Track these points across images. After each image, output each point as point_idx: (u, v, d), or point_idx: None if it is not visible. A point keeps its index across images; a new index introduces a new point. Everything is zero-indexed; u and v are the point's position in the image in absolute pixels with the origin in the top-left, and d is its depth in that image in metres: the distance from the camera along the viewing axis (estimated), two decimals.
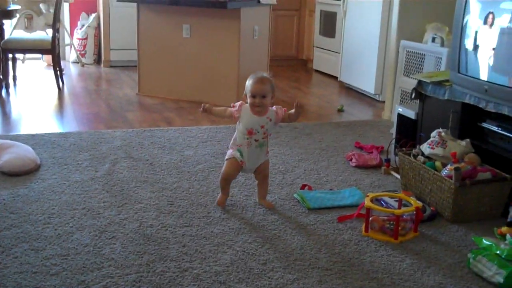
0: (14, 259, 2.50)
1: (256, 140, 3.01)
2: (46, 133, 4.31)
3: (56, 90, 5.91)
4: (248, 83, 2.98)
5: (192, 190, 3.34)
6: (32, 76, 6.66)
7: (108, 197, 3.20)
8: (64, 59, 7.60)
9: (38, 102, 5.42)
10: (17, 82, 6.17)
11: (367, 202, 2.90)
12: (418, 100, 3.79)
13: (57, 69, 5.98)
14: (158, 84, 5.77)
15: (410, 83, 4.34)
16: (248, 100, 2.97)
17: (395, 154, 3.76)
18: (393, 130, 4.13)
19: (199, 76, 5.58)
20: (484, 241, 2.57)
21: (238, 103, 3.02)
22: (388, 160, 3.78)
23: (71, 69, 7.21)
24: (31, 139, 4.10)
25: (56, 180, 3.41)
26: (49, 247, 2.62)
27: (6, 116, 4.95)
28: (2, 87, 5.69)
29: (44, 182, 3.38)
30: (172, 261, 2.53)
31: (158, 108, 5.32)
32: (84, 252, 2.59)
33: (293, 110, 3.02)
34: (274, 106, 3.04)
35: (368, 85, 6.03)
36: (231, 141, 3.11)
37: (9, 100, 5.48)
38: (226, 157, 3.12)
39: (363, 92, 6.23)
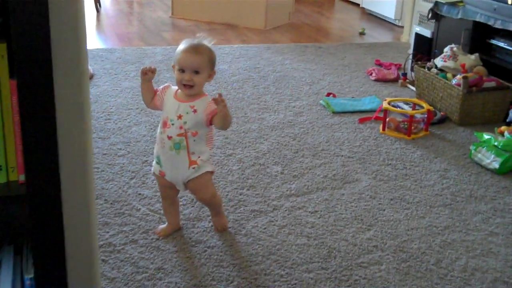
0: None
1: (169, 138, 2.08)
2: (93, 49, 4.74)
3: (95, 12, 6.30)
4: (177, 50, 2.09)
5: (229, 96, 3.77)
6: None
7: None
8: None
9: None
10: None
11: (385, 105, 3.32)
12: (434, 20, 4.15)
13: None
14: (191, 7, 6.12)
15: (427, 7, 4.66)
16: (175, 75, 2.08)
17: (411, 70, 4.16)
18: (411, 51, 4.50)
19: None
20: (485, 135, 3.00)
21: (162, 86, 2.18)
22: (405, 74, 4.17)
23: None
24: None
25: (110, 87, 3.86)
26: (113, 136, 3.10)
27: None
28: None
29: (100, 88, 3.83)
30: (218, 149, 2.99)
31: (192, 29, 5.70)
32: (143, 140, 3.06)
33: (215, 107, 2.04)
34: (212, 97, 2.05)
35: (389, 10, 6.34)
36: None
37: None
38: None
39: (383, 18, 6.54)
